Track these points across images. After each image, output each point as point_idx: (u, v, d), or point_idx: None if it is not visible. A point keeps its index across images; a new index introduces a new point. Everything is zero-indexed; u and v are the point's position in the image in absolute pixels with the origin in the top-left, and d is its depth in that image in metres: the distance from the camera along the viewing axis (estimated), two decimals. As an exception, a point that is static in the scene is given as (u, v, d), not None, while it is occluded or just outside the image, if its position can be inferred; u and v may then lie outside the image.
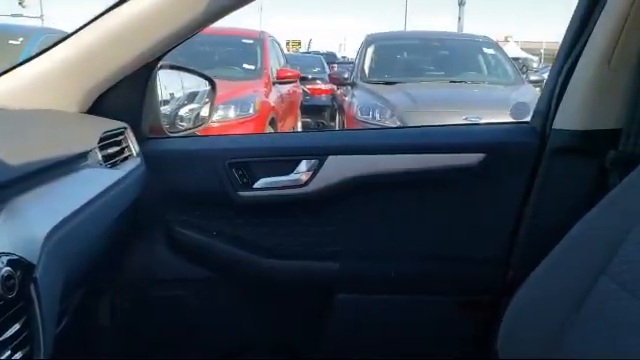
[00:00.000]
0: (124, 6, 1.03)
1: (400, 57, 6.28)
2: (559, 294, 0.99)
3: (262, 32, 6.12)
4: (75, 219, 0.76)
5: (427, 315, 1.24)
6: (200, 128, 1.53)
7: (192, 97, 1.65)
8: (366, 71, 5.91)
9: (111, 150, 1.03)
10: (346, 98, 5.99)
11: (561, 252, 1.01)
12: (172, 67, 1.39)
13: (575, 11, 1.13)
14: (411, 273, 1.23)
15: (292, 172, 1.20)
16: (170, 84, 1.49)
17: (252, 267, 1.25)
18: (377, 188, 1.21)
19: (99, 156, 0.97)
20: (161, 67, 1.21)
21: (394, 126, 4.72)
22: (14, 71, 1.04)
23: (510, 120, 3.42)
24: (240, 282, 1.28)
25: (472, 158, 1.17)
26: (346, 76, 6.27)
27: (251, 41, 5.98)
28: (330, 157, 1.20)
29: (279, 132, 4.63)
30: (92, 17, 1.06)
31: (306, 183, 1.20)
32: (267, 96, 5.37)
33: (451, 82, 5.55)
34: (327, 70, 10.49)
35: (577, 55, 1.11)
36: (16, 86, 1.03)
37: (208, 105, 1.59)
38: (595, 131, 1.10)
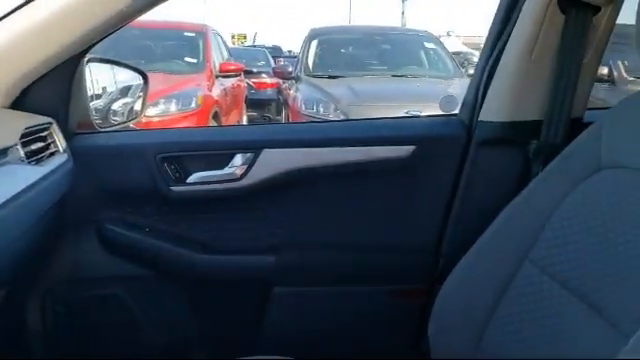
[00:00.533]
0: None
1: (344, 51, 6.33)
2: (485, 280, 1.02)
3: (204, 25, 6.03)
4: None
5: (364, 305, 1.26)
6: (133, 122, 1.50)
7: (125, 91, 1.62)
8: (310, 65, 5.93)
9: (35, 146, 0.99)
10: (291, 92, 5.99)
11: (487, 240, 1.05)
12: (102, 60, 1.36)
13: (498, 6, 1.17)
14: (347, 264, 1.25)
15: (226, 166, 1.20)
16: (102, 78, 1.45)
17: (188, 263, 1.24)
18: (311, 181, 1.22)
19: (21, 152, 0.94)
20: (90, 60, 1.18)
21: (337, 119, 4.77)
22: None
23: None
24: (177, 279, 1.27)
25: (403, 150, 1.20)
26: (290, 70, 6.26)
27: (193, 34, 5.90)
28: (265, 150, 1.20)
29: (213, 126, 4.59)
30: (12, 7, 1.02)
31: (241, 177, 1.20)
32: (210, 90, 5.32)
33: (393, 76, 5.64)
34: (272, 64, 10.44)
35: (500, 49, 1.15)
36: None
37: (139, 95, 1.56)
38: (518, 122, 1.15)
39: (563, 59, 1.09)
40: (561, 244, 0.94)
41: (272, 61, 11.21)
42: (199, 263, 1.23)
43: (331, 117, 4.94)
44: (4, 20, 1.02)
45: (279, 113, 7.76)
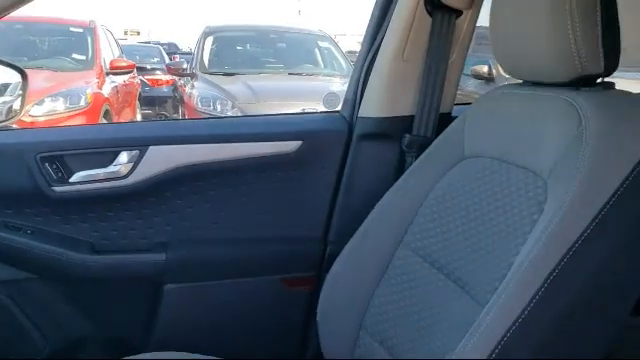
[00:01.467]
0: None
1: (240, 48, 6.31)
2: (366, 265, 1.10)
3: (92, 20, 5.77)
4: None
5: (256, 296, 1.30)
6: (12, 121, 1.44)
7: (4, 89, 1.55)
8: (205, 62, 5.86)
9: None
10: (186, 89, 5.88)
11: (367, 227, 1.12)
12: (-26, 57, 1.29)
13: (373, 9, 1.25)
14: (238, 257, 1.28)
15: (111, 164, 1.19)
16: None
17: (76, 265, 1.21)
18: (200, 177, 1.24)
19: None
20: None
21: (223, 116, 4.78)
22: None
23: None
24: (64, 281, 1.24)
25: (289, 145, 1.25)
26: (185, 67, 6.15)
27: (81, 30, 5.63)
28: (151, 147, 1.20)
29: (97, 124, 4.42)
30: None
31: (127, 175, 1.20)
32: (100, 87, 5.12)
33: (290, 74, 5.71)
34: (167, 61, 10.19)
35: (376, 50, 1.23)
36: None
37: (21, 97, 1.50)
38: (393, 118, 1.23)
39: (431, 59, 1.19)
40: (431, 227, 1.03)
41: (167, 58, 10.94)
42: (88, 264, 1.20)
43: (229, 114, 4.92)
44: None
45: (176, 110, 7.58)
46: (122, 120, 5.76)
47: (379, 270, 1.08)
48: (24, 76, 1.47)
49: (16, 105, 1.52)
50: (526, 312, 0.70)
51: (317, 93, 5.09)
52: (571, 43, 0.81)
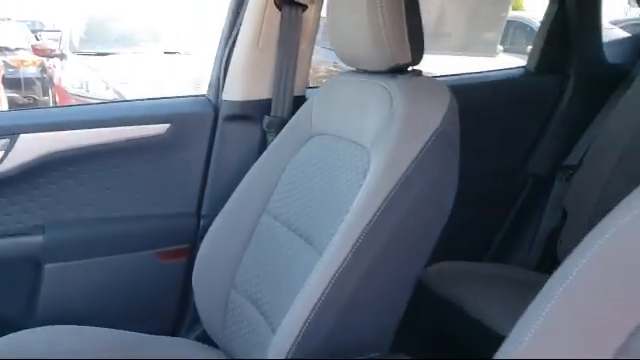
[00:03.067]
0: None
1: (113, 27, 6.10)
2: (233, 233, 1.24)
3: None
4: None
5: (133, 270, 1.40)
6: None
7: None
8: (75, 42, 5.63)
9: None
10: (56, 71, 5.62)
11: (234, 200, 1.27)
12: None
13: (230, 1, 1.37)
14: (114, 235, 1.37)
15: (-19, 153, 1.23)
16: None
17: None
18: (72, 162, 1.31)
19: None
20: None
21: (110, 97, 4.68)
22: None
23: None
24: None
25: (158, 128, 1.36)
26: (53, 47, 5.86)
27: None
28: (22, 135, 1.25)
29: None
30: None
31: (0, 162, 1.24)
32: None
33: (165, 53, 5.64)
34: (32, 40, 9.53)
35: (234, 39, 1.36)
36: None
37: None
38: (253, 101, 1.38)
39: (283, 48, 1.35)
40: (287, 197, 1.19)
41: (32, 36, 10.23)
42: None
43: (103, 96, 4.80)
44: None
45: (45, 93, 7.19)
46: (-16, 105, 5.40)
47: (246, 236, 1.23)
48: None
49: None
50: (349, 256, 0.88)
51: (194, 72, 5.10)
52: (383, 37, 0.99)
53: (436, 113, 0.95)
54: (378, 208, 0.89)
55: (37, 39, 9.08)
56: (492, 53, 5.74)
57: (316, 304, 0.87)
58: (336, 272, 0.88)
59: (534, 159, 1.82)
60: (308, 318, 0.87)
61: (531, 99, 1.78)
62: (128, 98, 4.66)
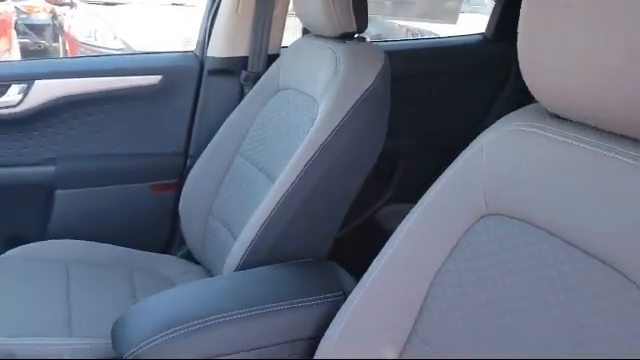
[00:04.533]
0: None
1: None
2: (211, 170, 1.48)
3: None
4: None
5: (132, 198, 1.66)
6: None
7: None
8: (85, -10, 5.78)
9: None
10: (66, 18, 5.79)
11: (214, 143, 1.51)
12: None
13: None
14: (113, 168, 1.62)
15: (4, 95, 1.47)
16: None
17: None
18: (78, 105, 1.55)
19: None
20: None
21: (116, 47, 4.88)
22: None
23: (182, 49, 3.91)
24: None
25: (152, 79, 1.59)
26: (63, -5, 6.01)
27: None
28: (37, 82, 1.50)
29: None
30: None
31: (18, 104, 1.49)
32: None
33: (173, 4, 5.78)
34: (43, -15, 9.61)
35: (218, 4, 1.58)
36: None
37: None
38: (233, 58, 1.61)
39: (259, 13, 1.57)
40: (255, 141, 1.43)
41: (43, -18, 10.31)
42: None
43: (110, 45, 4.99)
44: None
45: (55, 39, 7.33)
46: (-2, 50, 5.60)
47: (223, 173, 1.48)
48: None
49: None
50: (295, 183, 1.12)
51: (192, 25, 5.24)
52: (331, 9, 1.21)
53: (370, 74, 1.18)
54: (318, 147, 1.13)
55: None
56: (453, 20, 5.87)
57: (265, 220, 1.13)
58: (282, 196, 1.13)
59: (488, 121, 2.03)
60: (258, 231, 1.13)
61: (488, 65, 1.99)
62: (134, 48, 4.87)
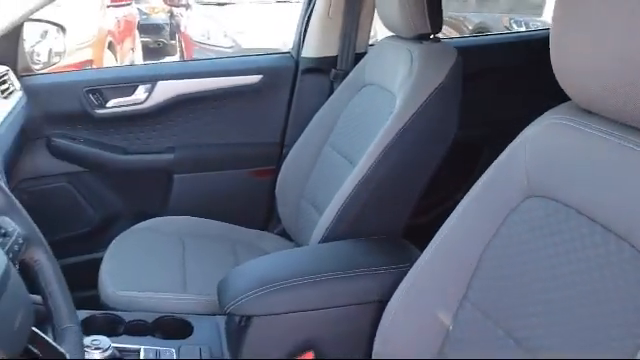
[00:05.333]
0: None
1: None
2: (305, 157, 1.67)
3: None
4: (3, 127, 1.28)
5: (235, 181, 1.89)
6: (57, 64, 2.00)
7: (44, 34, 2.09)
8: (199, -8, 6.24)
9: (3, 87, 1.51)
10: (183, 19, 6.29)
11: (307, 133, 1.69)
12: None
13: None
14: (220, 155, 1.86)
15: (133, 94, 1.76)
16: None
17: (113, 162, 1.81)
18: (194, 102, 1.81)
19: (-4, 91, 1.46)
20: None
21: (227, 46, 5.27)
22: None
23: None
24: (105, 173, 1.84)
25: (254, 78, 1.81)
26: (181, -3, 6.53)
27: (79, -36, 5.95)
28: (159, 82, 1.77)
29: (124, 65, 4.90)
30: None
31: (144, 101, 1.77)
32: (102, 21, 5.53)
33: (278, 2, 6.08)
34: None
35: (311, 9, 1.77)
36: None
37: (59, 40, 2.05)
38: (324, 57, 1.79)
39: (347, 16, 1.73)
40: (342, 132, 1.60)
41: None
42: (121, 161, 1.80)
43: (221, 43, 5.38)
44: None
45: (172, 38, 7.92)
46: (124, 50, 6.19)
47: (313, 160, 1.67)
48: (63, 30, 2.01)
49: (57, 48, 2.07)
50: (372, 166, 1.28)
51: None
52: (407, 13, 1.35)
53: (441, 71, 1.31)
54: (393, 136, 1.27)
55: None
56: (539, 12, 5.63)
57: (345, 201, 1.30)
58: (360, 179, 1.29)
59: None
60: (339, 210, 1.30)
61: None
62: (242, 45, 5.21)
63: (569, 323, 0.73)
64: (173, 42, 7.82)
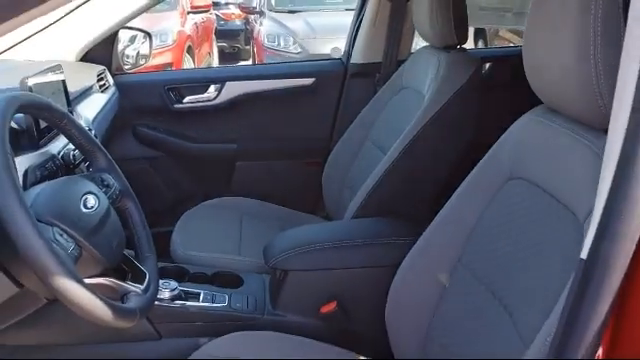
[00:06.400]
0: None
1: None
2: (349, 151, 1.91)
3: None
4: (100, 115, 1.60)
5: (289, 172, 2.16)
6: (142, 65, 2.34)
7: (133, 39, 2.44)
8: (272, 0, 6.60)
9: (101, 83, 1.85)
10: (256, 25, 6.67)
11: (351, 130, 1.94)
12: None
13: None
14: (277, 147, 2.14)
15: (205, 92, 2.07)
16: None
17: (186, 149, 2.12)
18: (255, 100, 2.10)
19: (97, 86, 1.79)
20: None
21: (295, 51, 5.58)
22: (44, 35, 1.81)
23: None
24: (180, 158, 2.15)
25: (308, 81, 2.08)
26: (254, 5, 6.91)
27: (164, -26, 6.44)
28: (227, 83, 2.07)
29: (198, 67, 5.29)
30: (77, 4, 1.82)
31: (214, 98, 2.07)
32: (183, 26, 5.96)
33: (347, 10, 6.34)
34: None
35: (360, 21, 2.01)
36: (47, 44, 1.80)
37: (145, 46, 2.38)
38: (370, 63, 2.03)
39: (391, 27, 1.97)
40: (380, 128, 1.83)
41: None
42: (193, 149, 2.12)
43: (291, 49, 5.71)
44: (76, 16, 1.83)
45: (247, 43, 8.29)
46: (202, 54, 6.65)
47: (354, 153, 1.90)
48: (150, 37, 2.34)
49: (143, 51, 2.40)
50: (397, 157, 1.50)
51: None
52: (435, 25, 1.57)
53: (462, 77, 1.52)
54: (418, 131, 1.49)
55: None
56: None
57: (375, 183, 1.53)
58: (389, 166, 1.52)
59: None
60: (369, 192, 1.53)
61: None
62: (309, 51, 5.51)
63: (530, 272, 0.92)
64: (248, 47, 8.18)
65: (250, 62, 7.28)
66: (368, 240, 1.38)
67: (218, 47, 8.35)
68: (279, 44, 5.81)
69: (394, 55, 2.00)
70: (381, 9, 1.96)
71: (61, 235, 0.85)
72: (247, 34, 8.35)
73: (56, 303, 1.06)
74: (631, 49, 0.56)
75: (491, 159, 1.11)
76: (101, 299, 0.82)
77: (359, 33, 2.03)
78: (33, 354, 1.27)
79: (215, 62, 7.67)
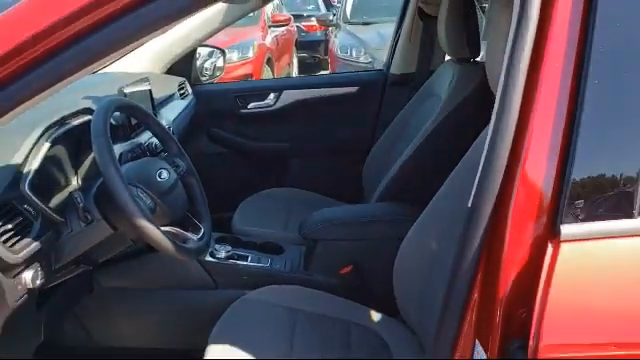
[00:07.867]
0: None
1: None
2: (386, 148, 2.24)
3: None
4: (179, 117, 2.03)
5: (330, 169, 2.50)
6: (218, 77, 2.77)
7: (210, 54, 2.88)
8: (348, 13, 6.96)
9: (181, 92, 2.28)
10: (332, 37, 7.06)
11: (389, 131, 2.25)
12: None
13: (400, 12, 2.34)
14: (322, 146, 2.49)
15: (266, 99, 2.46)
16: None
17: (248, 147, 2.52)
18: (307, 105, 2.46)
19: (178, 94, 2.22)
20: (196, 46, 2.44)
21: (365, 62, 5.91)
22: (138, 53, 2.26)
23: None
24: (242, 154, 2.55)
25: (353, 89, 2.42)
26: (331, 18, 7.31)
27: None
28: (285, 91, 2.45)
29: (262, 79, 5.69)
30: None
31: (273, 105, 2.46)
32: (263, 39, 6.36)
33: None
34: (322, 7, 11.14)
35: (398, 37, 2.33)
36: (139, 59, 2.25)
37: (220, 60, 2.81)
38: (405, 73, 2.34)
39: (424, 42, 2.27)
40: (411, 130, 2.14)
41: (322, 5, 12.02)
42: (253, 146, 2.51)
43: (361, 60, 6.02)
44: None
45: (326, 53, 8.63)
46: (281, 66, 7.10)
47: (388, 153, 2.21)
48: (224, 53, 2.77)
49: (219, 64, 2.84)
50: (413, 152, 1.81)
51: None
52: (451, 41, 1.85)
53: (470, 87, 1.80)
54: (431, 130, 1.79)
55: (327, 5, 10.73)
56: None
57: (396, 172, 1.83)
58: (407, 158, 1.82)
59: None
60: (390, 179, 1.84)
61: None
62: (380, 60, 5.81)
63: None
64: (326, 57, 8.54)
65: (329, 71, 7.65)
66: (381, 218, 1.70)
67: (299, 57, 8.70)
68: (350, 54, 6.14)
69: (426, 66, 2.29)
70: (415, 26, 2.27)
71: (143, 193, 1.24)
72: (326, 45, 8.69)
73: (139, 258, 1.48)
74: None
75: (480, 143, 1.40)
76: (168, 237, 1.20)
77: (397, 47, 2.35)
78: (123, 294, 1.69)
79: (294, 72, 8.08)
